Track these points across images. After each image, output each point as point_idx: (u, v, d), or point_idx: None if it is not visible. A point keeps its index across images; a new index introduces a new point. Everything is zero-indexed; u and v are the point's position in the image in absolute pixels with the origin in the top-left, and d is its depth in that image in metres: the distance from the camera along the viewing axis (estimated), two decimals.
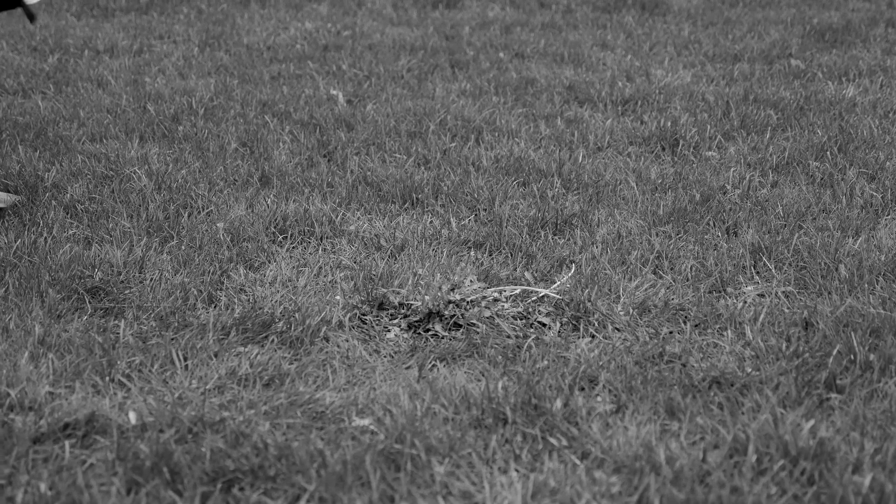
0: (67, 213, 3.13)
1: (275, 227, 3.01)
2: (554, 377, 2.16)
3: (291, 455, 1.87)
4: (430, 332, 2.42)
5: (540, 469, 1.87)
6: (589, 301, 2.54)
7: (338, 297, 2.53)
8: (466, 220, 3.10)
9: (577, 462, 1.88)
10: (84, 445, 1.95)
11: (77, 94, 4.51)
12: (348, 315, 2.46)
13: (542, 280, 2.72)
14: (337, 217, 3.09)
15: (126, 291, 2.62)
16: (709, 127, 3.92)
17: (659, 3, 6.41)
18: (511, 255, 2.83)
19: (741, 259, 2.77)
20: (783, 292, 2.61)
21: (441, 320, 2.46)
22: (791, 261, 2.75)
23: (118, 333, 2.35)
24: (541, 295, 2.59)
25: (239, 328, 2.38)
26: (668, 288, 2.63)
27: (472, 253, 2.84)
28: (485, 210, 3.22)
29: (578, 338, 2.40)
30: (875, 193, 3.20)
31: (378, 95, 4.57)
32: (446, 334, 2.42)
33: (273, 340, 2.35)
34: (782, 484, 1.81)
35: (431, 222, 3.09)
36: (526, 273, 2.72)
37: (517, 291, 2.57)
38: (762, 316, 2.43)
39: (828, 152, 3.59)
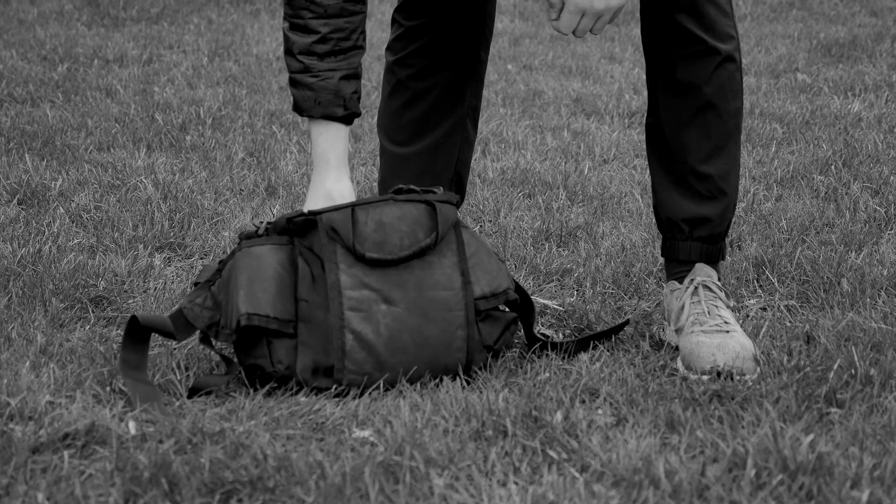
0: (73, 222, 3.14)
1: None
2: (555, 389, 2.16)
3: (291, 466, 1.87)
4: None
5: (539, 482, 1.87)
6: (592, 313, 2.54)
7: None
8: None
9: (577, 475, 1.88)
10: (83, 455, 1.95)
11: (85, 103, 4.53)
12: None
13: (546, 292, 2.72)
14: None
15: (129, 301, 2.63)
16: None
17: None
18: (515, 267, 2.83)
19: (744, 272, 2.77)
20: (785, 306, 2.61)
21: None
22: (794, 274, 2.75)
23: (120, 343, 2.35)
24: (545, 306, 2.59)
25: None
26: None
27: None
28: (490, 221, 3.23)
29: (580, 350, 2.39)
30: (878, 208, 3.20)
31: None
32: None
33: None
34: (781, 498, 1.80)
35: None
36: (530, 284, 2.73)
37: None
38: (764, 329, 2.43)
39: (832, 166, 3.59)
